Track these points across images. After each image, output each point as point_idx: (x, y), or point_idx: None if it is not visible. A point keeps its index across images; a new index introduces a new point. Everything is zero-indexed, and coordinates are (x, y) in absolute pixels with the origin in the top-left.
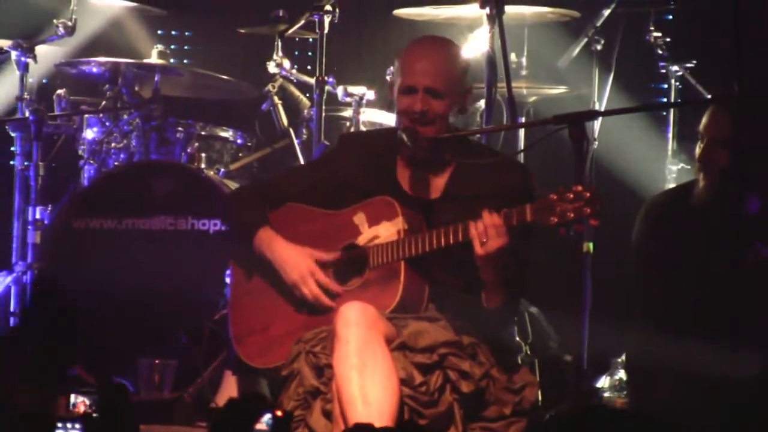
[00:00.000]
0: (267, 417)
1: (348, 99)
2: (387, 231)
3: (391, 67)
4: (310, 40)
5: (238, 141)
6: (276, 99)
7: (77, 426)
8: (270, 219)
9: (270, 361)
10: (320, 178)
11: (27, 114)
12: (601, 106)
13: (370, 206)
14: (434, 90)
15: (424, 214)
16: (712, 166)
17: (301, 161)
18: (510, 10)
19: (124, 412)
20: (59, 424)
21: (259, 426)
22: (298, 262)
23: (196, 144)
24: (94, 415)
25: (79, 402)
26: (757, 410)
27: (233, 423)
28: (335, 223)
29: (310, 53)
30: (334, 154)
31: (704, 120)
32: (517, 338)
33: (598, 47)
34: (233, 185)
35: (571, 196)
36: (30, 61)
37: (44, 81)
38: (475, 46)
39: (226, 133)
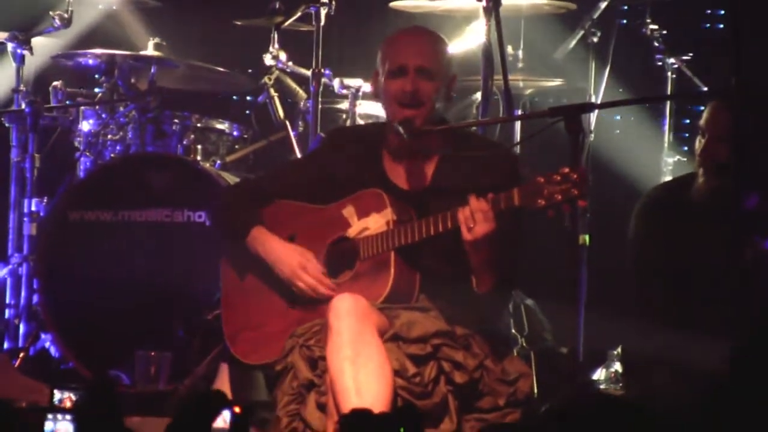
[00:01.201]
0: (226, 413)
1: (344, 91)
2: (376, 222)
3: None
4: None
5: (234, 133)
6: (272, 91)
7: (67, 417)
8: (261, 216)
9: (264, 356)
10: (308, 175)
11: (23, 106)
12: (597, 98)
13: (359, 199)
14: (425, 69)
15: (413, 204)
16: (712, 162)
17: (297, 153)
18: (506, 2)
19: (109, 405)
20: (49, 416)
21: (218, 423)
22: (289, 257)
23: (192, 136)
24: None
25: (65, 398)
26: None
27: (193, 418)
28: (325, 217)
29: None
30: (320, 151)
31: (705, 115)
32: (513, 330)
33: (595, 39)
34: (229, 177)
35: (558, 178)
36: (26, 53)
37: (40, 73)
38: (471, 39)
39: (222, 125)
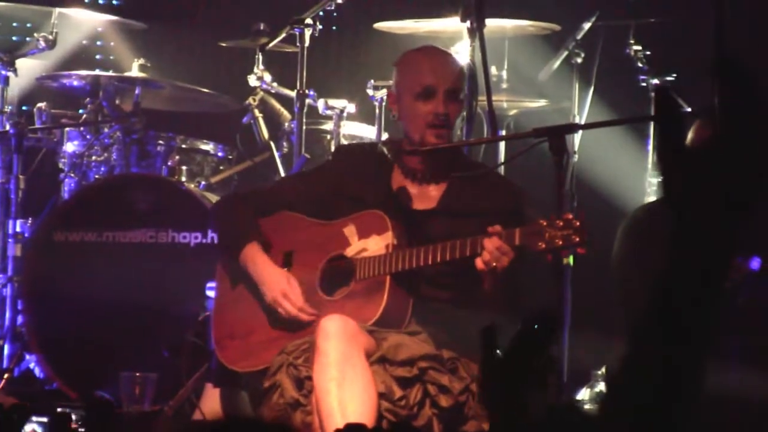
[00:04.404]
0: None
1: (329, 112)
2: (376, 245)
3: (372, 81)
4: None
5: (219, 154)
6: (257, 112)
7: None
8: (261, 226)
9: (251, 364)
10: (314, 189)
11: (7, 127)
12: (581, 119)
13: (361, 219)
14: (454, 90)
15: (415, 224)
16: None
17: (282, 174)
18: (491, 23)
19: (111, 426)
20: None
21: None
22: (273, 283)
23: (177, 157)
24: (81, 430)
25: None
26: None
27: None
28: (325, 234)
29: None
30: (329, 165)
31: (690, 135)
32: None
33: (578, 60)
34: (214, 198)
35: (561, 223)
36: (10, 74)
37: (25, 94)
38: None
39: (207, 146)
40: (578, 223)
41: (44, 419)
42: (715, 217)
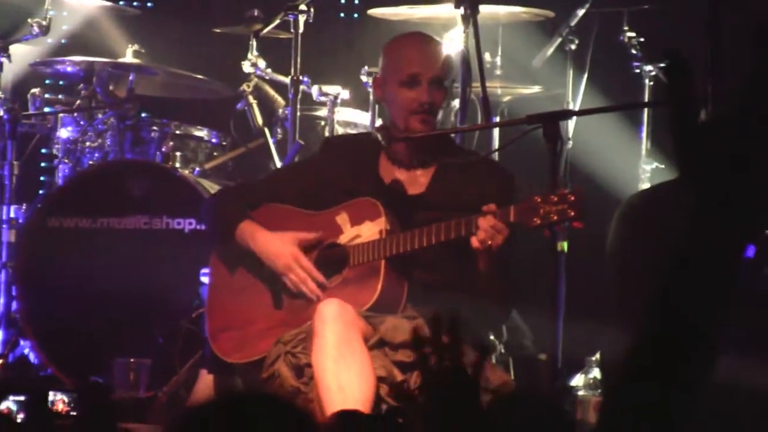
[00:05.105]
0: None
1: (323, 98)
2: (369, 231)
3: (366, 67)
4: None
5: (213, 140)
6: (251, 98)
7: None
8: (251, 216)
9: (246, 355)
10: (303, 180)
11: (1, 113)
12: (575, 105)
13: (353, 207)
14: (438, 79)
15: (406, 211)
16: None
17: (276, 160)
18: (484, 9)
19: (104, 410)
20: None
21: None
22: (282, 249)
23: (171, 143)
24: (73, 413)
25: (58, 400)
26: None
27: None
28: (317, 223)
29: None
30: (317, 157)
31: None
32: (492, 337)
33: (572, 47)
34: (208, 184)
35: (556, 198)
36: (4, 60)
37: (18, 80)
38: (449, 46)
39: (201, 133)
40: (573, 198)
41: (21, 398)
42: (736, 190)
